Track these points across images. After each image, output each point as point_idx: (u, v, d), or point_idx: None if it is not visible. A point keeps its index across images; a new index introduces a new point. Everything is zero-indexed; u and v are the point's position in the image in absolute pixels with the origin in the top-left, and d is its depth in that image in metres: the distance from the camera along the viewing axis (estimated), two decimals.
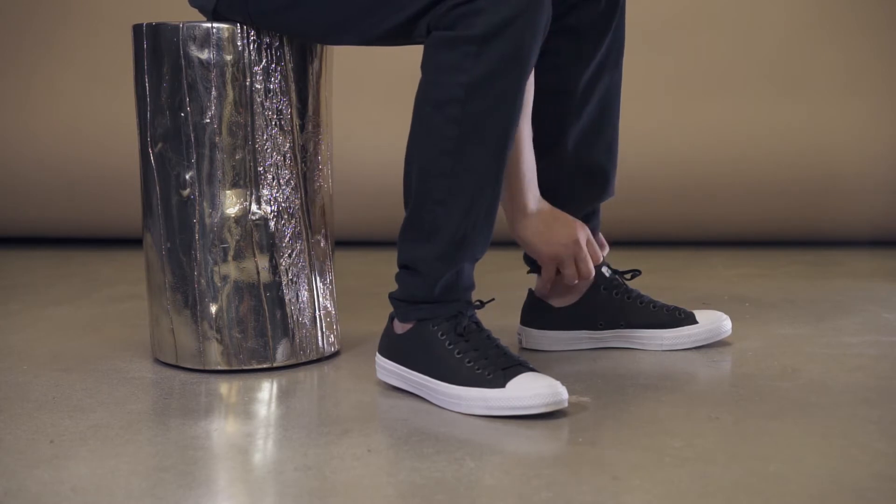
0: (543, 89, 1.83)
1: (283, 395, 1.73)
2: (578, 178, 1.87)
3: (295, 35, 1.77)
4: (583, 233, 1.83)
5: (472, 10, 1.53)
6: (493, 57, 1.54)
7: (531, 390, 1.56)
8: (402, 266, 1.68)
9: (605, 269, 1.91)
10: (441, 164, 1.59)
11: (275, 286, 1.80)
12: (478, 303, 1.69)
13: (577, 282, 1.86)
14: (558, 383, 1.57)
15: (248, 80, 1.76)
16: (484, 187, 1.61)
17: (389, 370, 1.71)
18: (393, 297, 1.70)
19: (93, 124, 2.96)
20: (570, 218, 1.83)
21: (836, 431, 1.51)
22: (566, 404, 1.57)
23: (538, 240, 1.81)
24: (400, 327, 1.70)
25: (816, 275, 2.60)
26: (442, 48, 1.56)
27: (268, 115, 1.77)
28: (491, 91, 1.56)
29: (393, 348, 1.70)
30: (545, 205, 1.81)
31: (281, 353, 1.82)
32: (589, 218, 1.91)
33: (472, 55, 1.54)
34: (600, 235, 1.93)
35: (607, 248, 1.93)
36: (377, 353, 1.73)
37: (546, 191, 1.84)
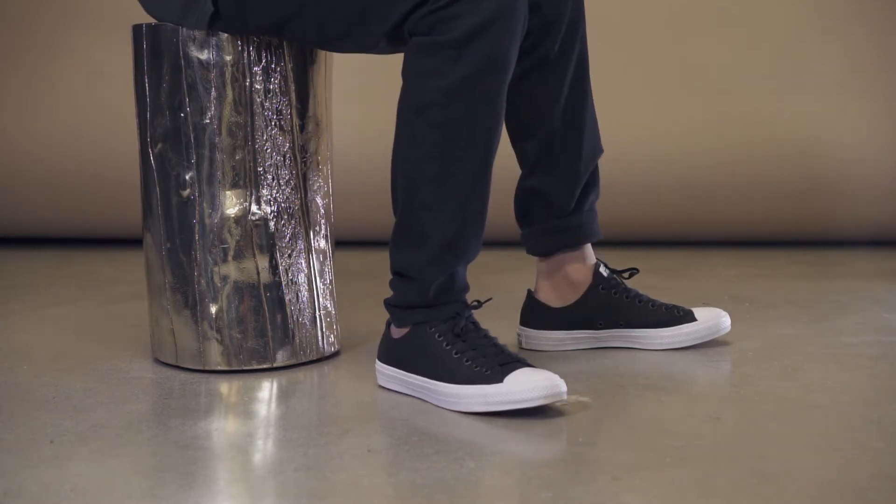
0: (516, 70, 1.82)
1: (283, 396, 1.73)
2: (570, 151, 1.86)
3: (294, 44, 1.78)
4: None
5: (449, 15, 1.53)
6: (471, 61, 1.54)
7: (529, 383, 1.56)
8: (395, 272, 1.68)
9: (602, 269, 1.91)
10: (426, 169, 1.60)
11: (275, 286, 1.80)
12: (475, 303, 1.69)
13: None
14: (556, 376, 1.57)
15: (248, 80, 1.76)
16: (471, 191, 1.61)
17: (389, 375, 1.71)
18: (388, 304, 1.70)
19: (93, 124, 2.96)
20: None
21: (836, 431, 1.51)
22: (565, 397, 1.57)
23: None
24: (397, 332, 1.70)
25: (816, 275, 2.60)
26: (421, 53, 1.57)
27: (267, 115, 1.77)
28: (471, 95, 1.56)
29: (391, 353, 1.70)
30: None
31: (281, 354, 1.82)
32: (589, 216, 1.90)
33: (451, 59, 1.54)
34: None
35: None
36: (377, 360, 1.73)
37: (551, 202, 1.85)
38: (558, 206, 1.87)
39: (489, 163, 1.61)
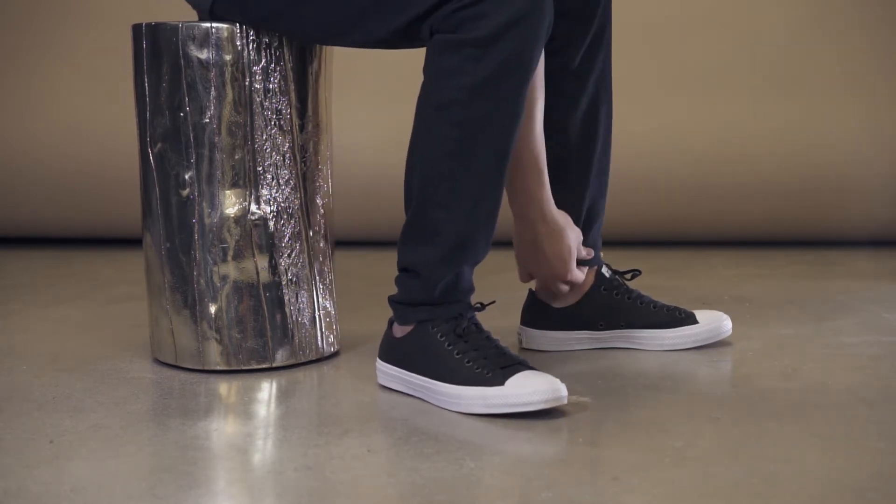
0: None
1: (283, 396, 1.73)
2: (583, 158, 1.87)
3: (295, 37, 1.77)
4: (575, 242, 1.82)
5: (476, 14, 1.53)
6: (495, 60, 1.54)
7: (530, 387, 1.56)
8: (402, 269, 1.68)
9: (605, 270, 1.92)
10: (443, 166, 1.59)
11: (274, 286, 1.80)
12: (478, 305, 1.69)
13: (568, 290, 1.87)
14: (557, 380, 1.57)
15: (248, 79, 1.76)
16: (486, 190, 1.61)
17: (390, 374, 1.71)
18: (392, 301, 1.70)
19: (93, 124, 2.96)
20: (564, 231, 1.82)
21: (836, 431, 1.51)
22: (566, 401, 1.57)
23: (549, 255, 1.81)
24: (399, 331, 1.70)
25: (816, 275, 2.60)
26: (445, 51, 1.56)
27: (267, 114, 1.77)
28: (493, 94, 1.56)
29: (393, 352, 1.70)
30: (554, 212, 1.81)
31: (280, 354, 1.82)
32: (597, 208, 1.91)
33: (475, 58, 1.54)
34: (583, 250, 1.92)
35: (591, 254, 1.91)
36: (377, 359, 1.73)
37: (555, 175, 1.85)
38: None
39: (505, 163, 1.62)
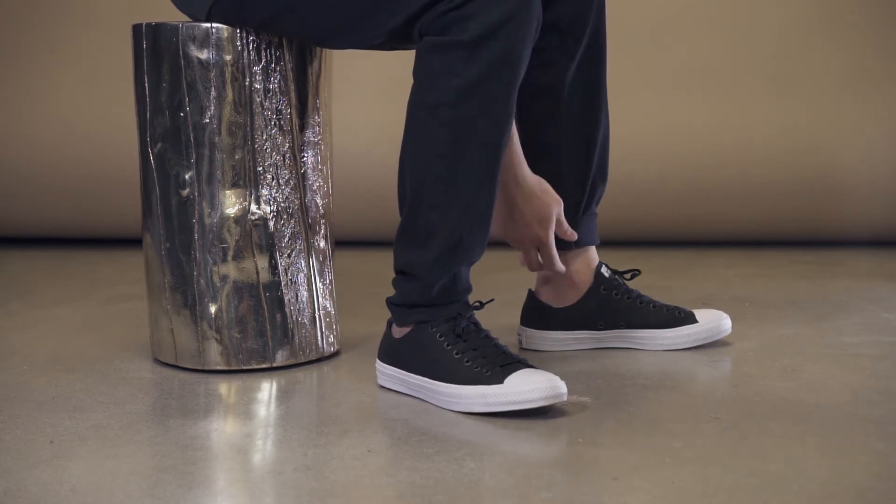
0: (532, 87, 1.82)
1: (283, 396, 1.73)
2: (577, 172, 1.87)
3: (292, 38, 1.77)
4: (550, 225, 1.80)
5: (464, 15, 1.53)
6: (484, 61, 1.54)
7: (529, 385, 1.56)
8: (399, 271, 1.68)
9: (604, 270, 1.91)
10: (435, 167, 1.60)
11: (274, 286, 1.80)
12: (477, 304, 1.69)
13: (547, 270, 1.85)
14: (557, 378, 1.57)
15: (248, 79, 1.76)
16: (478, 191, 1.61)
17: (389, 375, 1.71)
18: (390, 303, 1.70)
19: (93, 124, 2.96)
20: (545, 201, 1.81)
21: (836, 431, 1.52)
22: (565, 398, 1.57)
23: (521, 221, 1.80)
24: (398, 331, 1.70)
25: (816, 275, 2.60)
26: (433, 53, 1.57)
27: (267, 114, 1.77)
28: (482, 95, 1.56)
29: (392, 353, 1.70)
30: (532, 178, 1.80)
31: (280, 354, 1.82)
32: (590, 219, 1.90)
33: (464, 59, 1.54)
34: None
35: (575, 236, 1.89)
36: (377, 359, 1.73)
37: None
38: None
39: (497, 163, 1.62)
